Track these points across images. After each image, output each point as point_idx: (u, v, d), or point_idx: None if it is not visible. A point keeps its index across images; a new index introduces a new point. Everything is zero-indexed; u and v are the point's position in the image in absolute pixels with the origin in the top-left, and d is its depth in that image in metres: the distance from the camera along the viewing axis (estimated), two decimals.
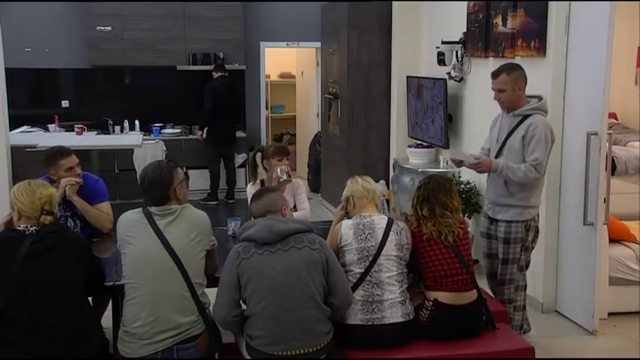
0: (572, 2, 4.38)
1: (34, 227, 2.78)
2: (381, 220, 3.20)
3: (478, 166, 3.74)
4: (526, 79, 3.74)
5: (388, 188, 6.60)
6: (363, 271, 3.09)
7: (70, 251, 2.81)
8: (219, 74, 7.96)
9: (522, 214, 3.73)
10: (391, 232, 3.15)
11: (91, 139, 7.54)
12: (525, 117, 3.69)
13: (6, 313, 2.63)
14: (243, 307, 2.86)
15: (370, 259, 3.10)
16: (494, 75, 3.77)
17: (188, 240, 2.89)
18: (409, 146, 6.27)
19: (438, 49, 5.76)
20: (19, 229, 2.77)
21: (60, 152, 3.86)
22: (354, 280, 3.08)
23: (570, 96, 4.44)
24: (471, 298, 3.25)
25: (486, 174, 3.89)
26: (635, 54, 8.12)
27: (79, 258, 2.84)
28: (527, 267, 3.91)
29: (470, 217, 5.24)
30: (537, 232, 3.86)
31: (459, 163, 3.94)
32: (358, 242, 3.13)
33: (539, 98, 3.76)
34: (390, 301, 3.08)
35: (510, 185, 3.71)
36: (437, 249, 3.22)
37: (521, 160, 3.67)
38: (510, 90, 3.70)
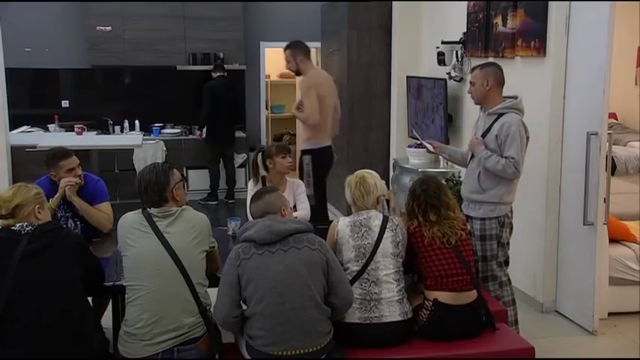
0: (572, 2, 4.38)
1: (30, 227, 2.78)
2: (376, 218, 3.21)
3: (471, 143, 3.86)
4: (498, 78, 3.81)
5: (388, 188, 6.59)
6: (359, 268, 3.10)
7: (66, 250, 2.81)
8: (219, 74, 7.96)
9: (494, 210, 3.77)
10: (387, 230, 3.17)
11: (91, 139, 7.54)
12: (499, 116, 3.76)
13: (5, 314, 2.63)
14: (244, 307, 2.86)
15: (367, 256, 3.11)
16: (470, 70, 3.95)
17: (188, 241, 2.90)
18: (409, 146, 6.27)
19: (438, 49, 5.76)
20: (14, 229, 2.77)
21: (61, 153, 3.85)
22: (351, 278, 3.08)
23: (570, 96, 4.45)
24: (471, 298, 3.25)
25: (464, 170, 3.97)
26: (635, 54, 8.12)
27: (76, 257, 2.84)
28: (507, 264, 3.93)
29: None
30: (512, 228, 3.90)
31: (435, 149, 4.12)
32: (355, 240, 3.14)
33: (515, 97, 3.82)
34: (387, 300, 3.08)
35: (483, 181, 3.77)
36: (438, 250, 3.23)
37: None
38: (479, 84, 3.81)
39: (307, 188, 5.11)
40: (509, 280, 3.91)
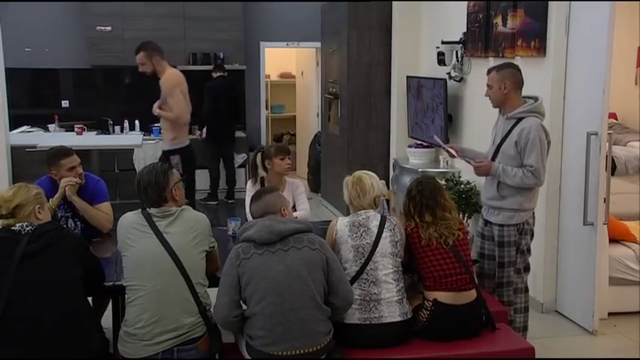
0: (572, 2, 4.38)
1: (30, 227, 2.78)
2: (375, 218, 3.21)
3: (478, 169, 3.76)
4: (516, 80, 3.68)
5: (388, 188, 6.59)
6: (358, 269, 3.10)
7: (66, 250, 2.81)
8: (219, 74, 7.97)
9: (513, 217, 3.68)
10: (385, 229, 3.17)
11: (91, 139, 7.54)
12: (519, 120, 3.65)
13: (5, 314, 2.63)
14: (244, 307, 2.86)
15: (366, 256, 3.11)
16: (487, 72, 3.82)
17: (188, 241, 2.90)
18: (409, 146, 6.28)
19: (438, 49, 5.76)
20: (14, 229, 2.77)
21: (61, 152, 3.86)
22: (350, 278, 3.08)
23: (570, 96, 4.45)
24: (471, 297, 3.25)
25: (464, 170, 3.88)
26: (635, 54, 8.12)
27: (76, 257, 2.84)
28: (527, 270, 3.86)
29: (470, 217, 5.24)
30: (532, 234, 3.81)
31: (457, 153, 3.92)
32: (354, 240, 3.14)
33: (535, 99, 3.71)
34: (387, 300, 3.08)
35: (502, 189, 3.68)
36: (436, 250, 3.22)
37: (517, 166, 3.63)
38: (496, 87, 3.68)
39: None
40: (526, 287, 3.84)
